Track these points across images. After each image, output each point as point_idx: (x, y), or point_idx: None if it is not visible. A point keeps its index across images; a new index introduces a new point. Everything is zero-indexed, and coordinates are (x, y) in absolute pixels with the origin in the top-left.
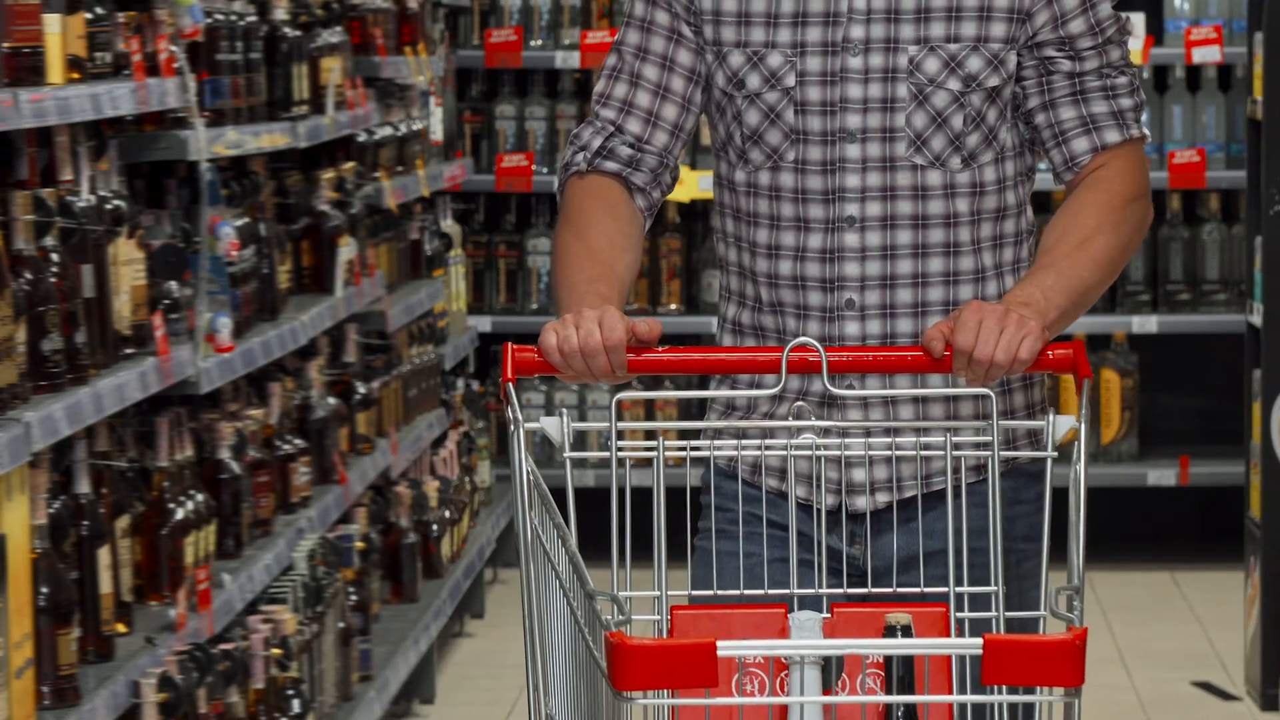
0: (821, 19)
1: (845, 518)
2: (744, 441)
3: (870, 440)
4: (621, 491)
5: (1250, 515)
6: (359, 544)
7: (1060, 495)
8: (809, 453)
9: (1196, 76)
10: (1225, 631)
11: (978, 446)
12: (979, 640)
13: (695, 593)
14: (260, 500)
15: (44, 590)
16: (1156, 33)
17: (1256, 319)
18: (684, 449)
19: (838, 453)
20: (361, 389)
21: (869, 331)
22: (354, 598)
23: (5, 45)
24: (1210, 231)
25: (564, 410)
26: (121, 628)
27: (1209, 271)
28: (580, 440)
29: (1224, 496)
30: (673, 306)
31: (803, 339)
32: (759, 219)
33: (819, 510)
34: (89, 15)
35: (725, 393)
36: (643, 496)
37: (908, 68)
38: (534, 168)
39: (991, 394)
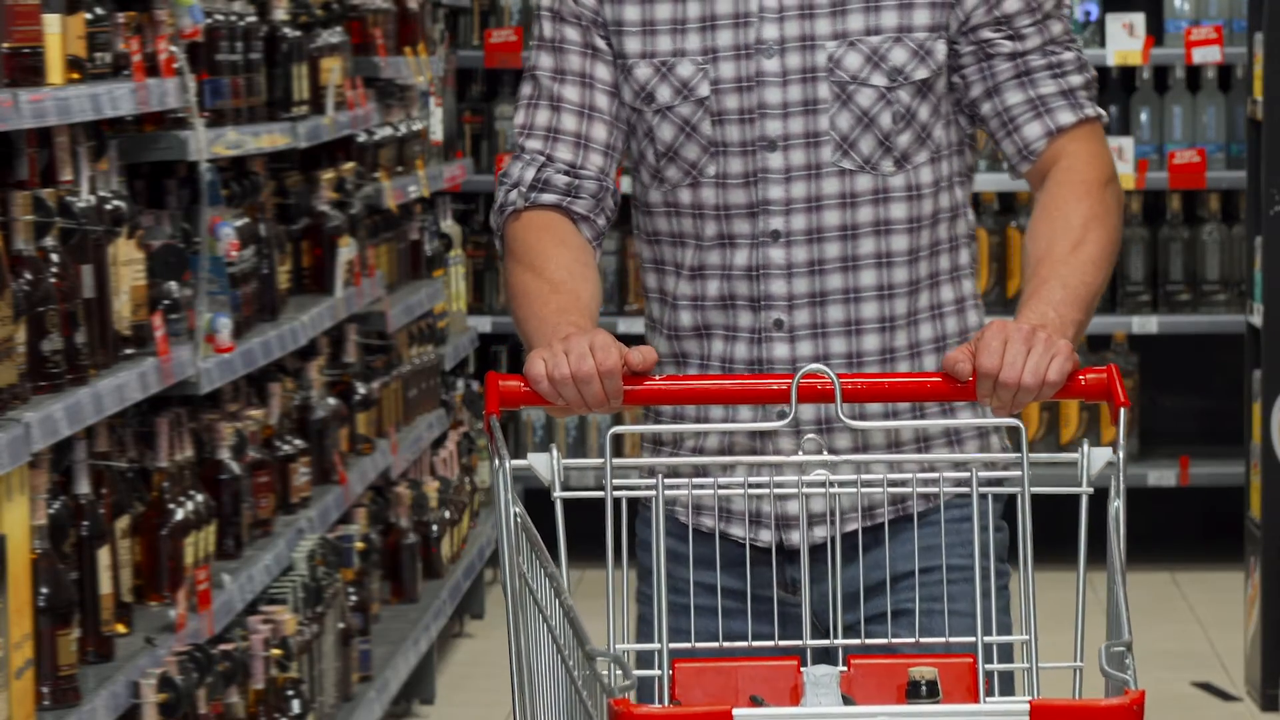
0: (731, 21)
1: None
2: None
3: (804, 464)
4: (618, 533)
5: (1250, 515)
6: (359, 544)
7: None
8: (823, 490)
9: (1196, 76)
10: (1225, 631)
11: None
12: (1024, 705)
13: (729, 645)
14: (260, 500)
15: (44, 590)
16: (1156, 33)
17: (1256, 319)
18: (683, 487)
19: (850, 488)
20: (361, 389)
21: (799, 353)
22: (354, 598)
23: (5, 45)
24: (1210, 232)
25: (554, 446)
26: (121, 628)
27: (1209, 272)
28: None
29: (1224, 496)
30: None
31: (815, 365)
32: (683, 239)
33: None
34: (89, 15)
35: (737, 426)
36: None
37: (827, 65)
38: None
39: (1021, 425)
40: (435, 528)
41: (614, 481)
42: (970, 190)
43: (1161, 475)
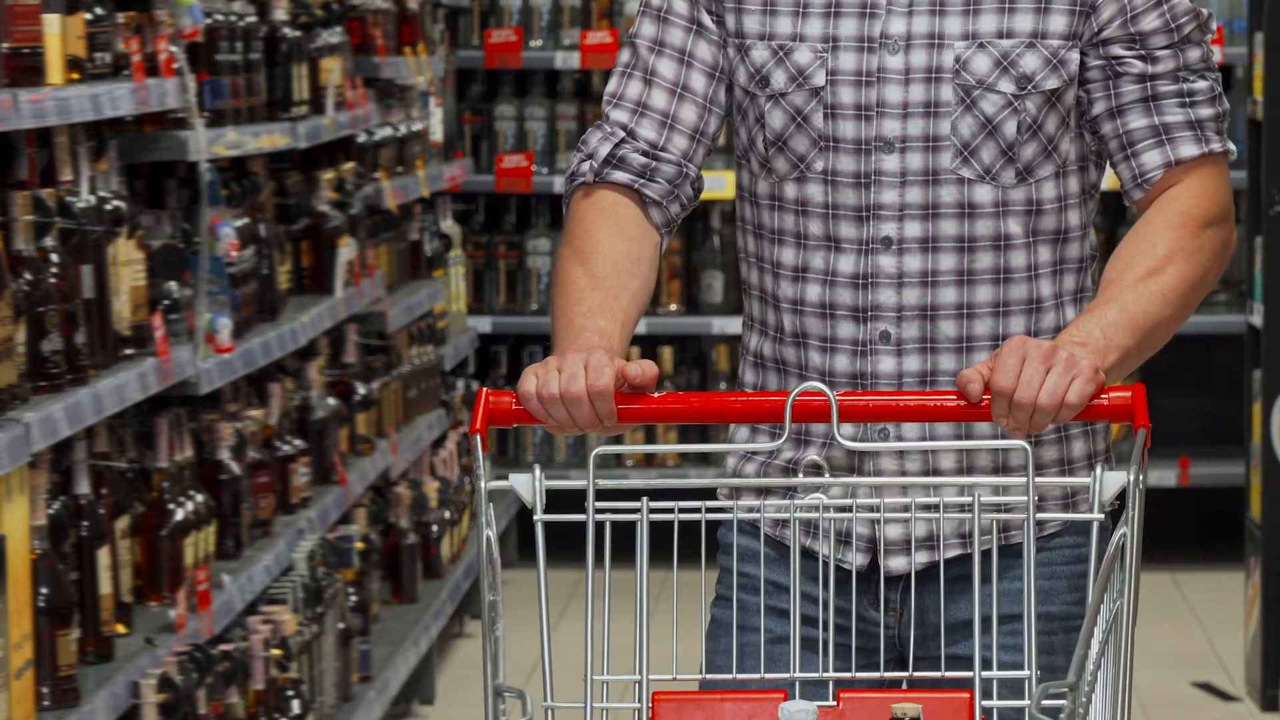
0: (858, 10)
1: (882, 582)
2: (755, 502)
3: (906, 486)
4: (600, 556)
5: (1250, 516)
6: (359, 544)
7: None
8: (817, 515)
9: None
10: (1225, 632)
11: (1017, 501)
12: None
13: (710, 676)
14: (260, 501)
15: (44, 591)
16: None
17: (1257, 319)
18: (671, 510)
19: (850, 513)
20: (361, 389)
21: (906, 368)
22: (354, 598)
23: (5, 45)
24: None
25: (537, 466)
26: (121, 628)
27: None
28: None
29: (1224, 497)
30: (673, 307)
31: (811, 384)
32: (784, 237)
33: (852, 571)
34: (89, 15)
35: (717, 447)
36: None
37: (953, 67)
38: (534, 168)
39: (1028, 447)
40: (435, 528)
41: (598, 505)
42: (1093, 209)
43: (1161, 475)
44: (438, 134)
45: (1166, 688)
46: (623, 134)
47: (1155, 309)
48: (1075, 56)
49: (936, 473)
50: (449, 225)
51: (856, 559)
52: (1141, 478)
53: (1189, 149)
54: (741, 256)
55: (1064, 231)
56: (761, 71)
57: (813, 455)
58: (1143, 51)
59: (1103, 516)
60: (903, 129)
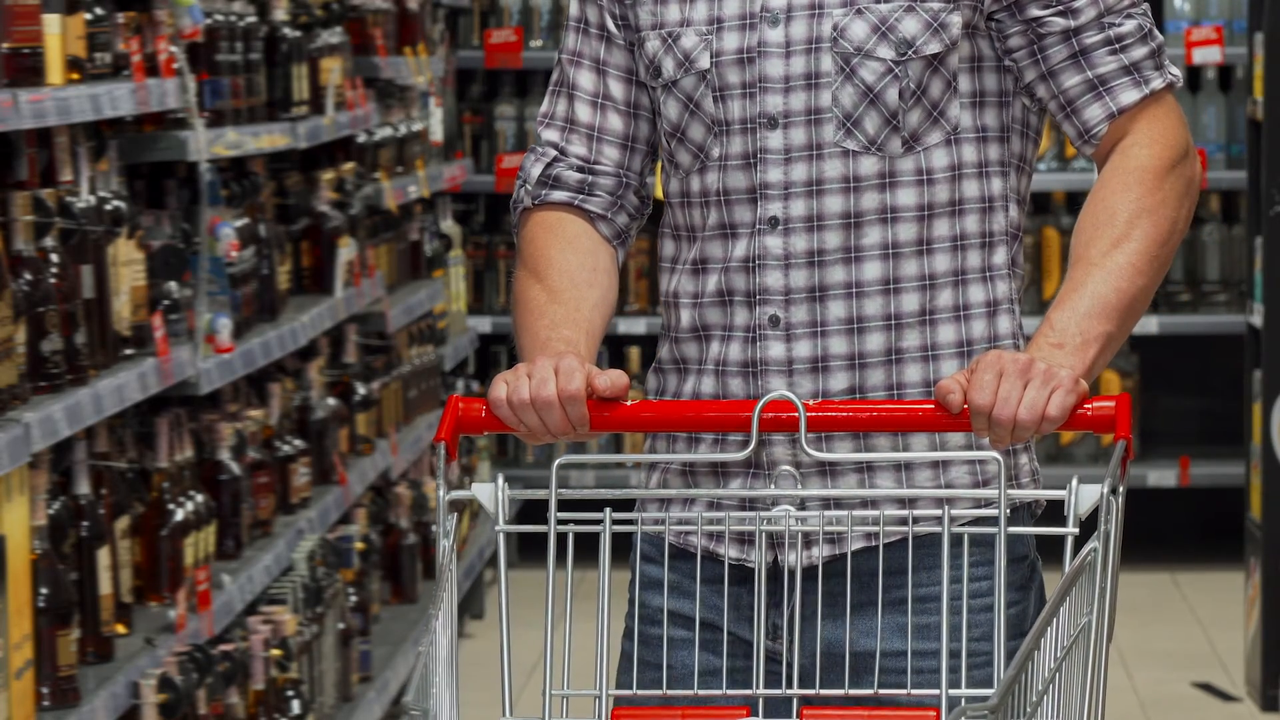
0: None
1: (800, 578)
2: (660, 515)
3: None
4: (561, 564)
5: (1250, 516)
6: (359, 545)
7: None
8: (784, 527)
9: (1197, 77)
10: (1225, 632)
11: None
12: None
13: (673, 693)
14: (260, 501)
15: (44, 591)
16: None
17: (1257, 319)
18: (634, 521)
19: (818, 520)
20: (361, 390)
21: (796, 354)
22: (354, 598)
23: (5, 45)
24: (1210, 232)
25: (500, 476)
26: (121, 628)
27: (1209, 272)
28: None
29: (1224, 497)
30: None
31: (780, 393)
32: (695, 232)
33: (759, 589)
34: (89, 16)
35: (682, 456)
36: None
37: (832, 35)
38: None
39: (999, 458)
40: (435, 528)
41: (560, 515)
42: (1017, 183)
43: (1161, 476)
44: (438, 134)
45: (1166, 688)
46: (554, 153)
47: (1127, 283)
48: (958, 19)
49: (833, 466)
50: (449, 225)
51: (761, 556)
52: (1120, 490)
53: (1129, 95)
54: (661, 267)
55: (964, 203)
56: (654, 62)
57: (787, 467)
58: (1061, 7)
59: (1077, 531)
60: (785, 103)
